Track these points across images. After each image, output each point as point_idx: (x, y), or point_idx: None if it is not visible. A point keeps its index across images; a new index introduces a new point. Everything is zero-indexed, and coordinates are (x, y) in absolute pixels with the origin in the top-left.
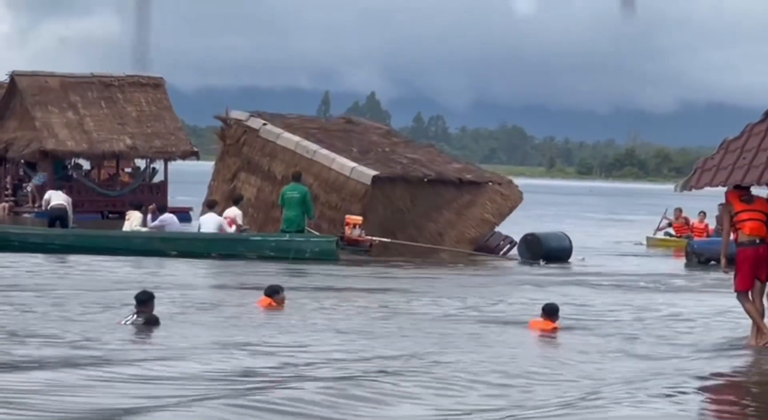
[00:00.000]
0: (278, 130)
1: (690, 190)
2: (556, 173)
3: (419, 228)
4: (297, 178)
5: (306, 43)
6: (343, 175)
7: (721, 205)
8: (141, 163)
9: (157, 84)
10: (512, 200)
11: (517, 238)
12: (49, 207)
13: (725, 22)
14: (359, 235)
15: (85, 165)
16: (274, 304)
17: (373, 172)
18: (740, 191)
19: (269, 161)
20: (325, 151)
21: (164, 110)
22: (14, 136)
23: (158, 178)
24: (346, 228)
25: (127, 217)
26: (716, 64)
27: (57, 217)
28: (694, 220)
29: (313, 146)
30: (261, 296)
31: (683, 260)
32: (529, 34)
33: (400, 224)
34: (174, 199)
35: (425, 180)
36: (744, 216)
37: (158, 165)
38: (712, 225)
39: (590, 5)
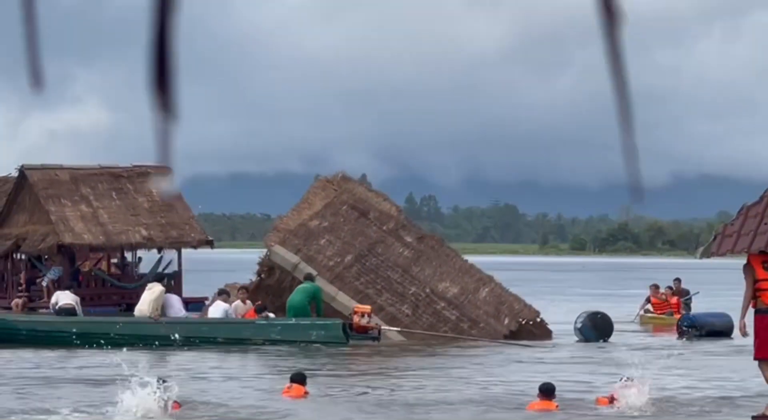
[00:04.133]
0: (333, 290)
1: (710, 257)
2: (550, 250)
3: None
4: (308, 278)
5: (295, 127)
6: None
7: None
8: (127, 255)
9: (165, 174)
10: (542, 340)
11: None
12: (57, 307)
13: (710, 95)
14: (368, 323)
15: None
16: (302, 393)
17: None
18: (764, 256)
19: None
20: (384, 327)
21: (176, 199)
22: (26, 230)
23: (171, 268)
24: (355, 316)
25: (148, 287)
26: (704, 137)
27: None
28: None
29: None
30: (287, 385)
31: (669, 336)
32: (518, 111)
33: None
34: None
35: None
36: (765, 285)
37: (147, 255)
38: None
39: (577, 81)
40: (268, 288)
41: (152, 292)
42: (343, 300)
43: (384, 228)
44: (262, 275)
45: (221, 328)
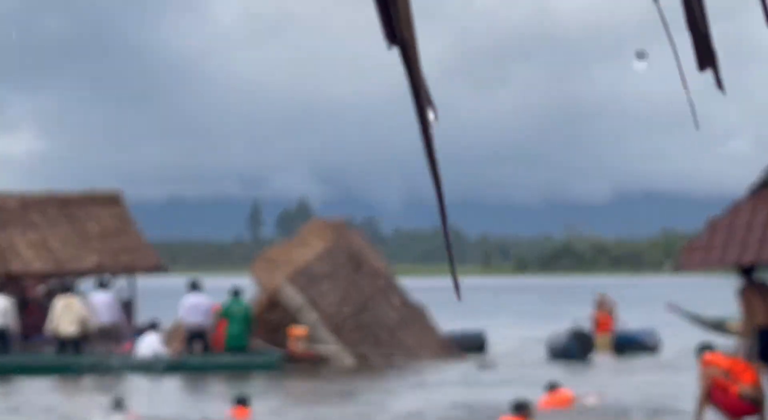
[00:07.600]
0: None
1: (678, 270)
2: (493, 270)
3: None
4: (237, 293)
5: (232, 150)
6: None
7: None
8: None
9: (115, 198)
10: None
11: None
12: None
13: (650, 110)
14: (305, 349)
15: None
16: (247, 414)
17: None
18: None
19: None
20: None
21: (127, 224)
22: None
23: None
24: (291, 341)
25: (65, 303)
26: (645, 152)
27: None
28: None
29: None
30: (233, 406)
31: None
32: (458, 129)
33: None
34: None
35: None
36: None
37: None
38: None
39: (516, 98)
40: (268, 322)
41: (73, 307)
42: (290, 292)
43: (375, 285)
44: (264, 311)
45: (155, 367)
